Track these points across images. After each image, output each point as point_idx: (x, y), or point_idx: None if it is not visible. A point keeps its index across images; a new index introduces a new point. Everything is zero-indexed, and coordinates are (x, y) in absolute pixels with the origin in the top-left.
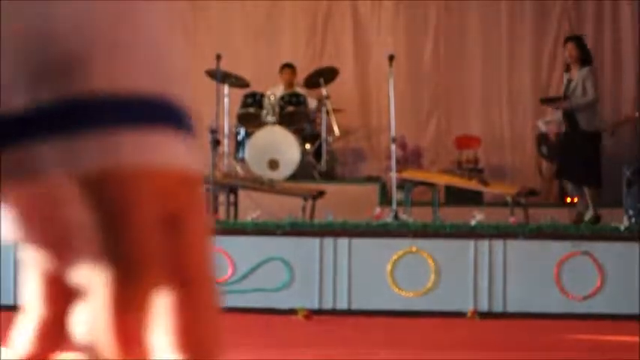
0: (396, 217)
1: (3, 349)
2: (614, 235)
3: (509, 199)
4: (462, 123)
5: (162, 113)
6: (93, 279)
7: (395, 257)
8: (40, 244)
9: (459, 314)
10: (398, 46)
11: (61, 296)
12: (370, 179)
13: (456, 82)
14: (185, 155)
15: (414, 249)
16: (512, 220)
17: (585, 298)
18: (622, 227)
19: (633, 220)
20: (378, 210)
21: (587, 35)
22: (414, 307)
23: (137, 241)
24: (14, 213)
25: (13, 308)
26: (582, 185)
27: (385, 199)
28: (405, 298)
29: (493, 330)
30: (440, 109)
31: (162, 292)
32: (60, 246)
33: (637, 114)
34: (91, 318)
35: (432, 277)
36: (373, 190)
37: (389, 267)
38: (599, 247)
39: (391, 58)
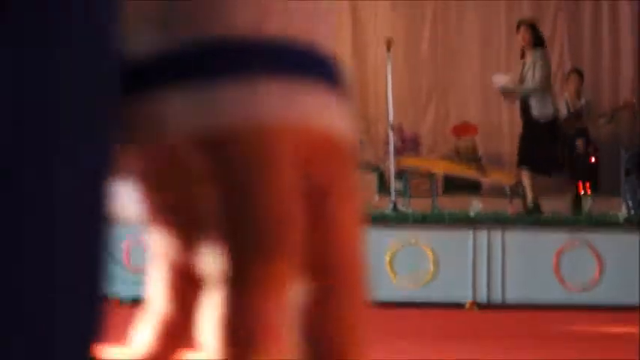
0: (394, 208)
1: (122, 346)
2: (613, 225)
3: (507, 188)
4: (460, 111)
5: (313, 65)
6: (220, 262)
7: (393, 248)
8: (166, 222)
9: (457, 305)
10: (396, 34)
11: (187, 289)
12: (368, 168)
13: (454, 70)
14: (338, 117)
15: (412, 240)
16: (510, 209)
17: (584, 288)
18: (621, 217)
19: (632, 209)
20: (376, 198)
21: (586, 30)
22: (413, 298)
23: (272, 207)
24: (140, 187)
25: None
26: (542, 173)
27: (383, 187)
28: (403, 289)
29: (492, 321)
30: (438, 97)
31: (299, 279)
32: (187, 225)
33: (635, 101)
34: (217, 310)
35: (431, 268)
36: (371, 178)
37: (387, 258)
38: (597, 237)
39: (389, 42)
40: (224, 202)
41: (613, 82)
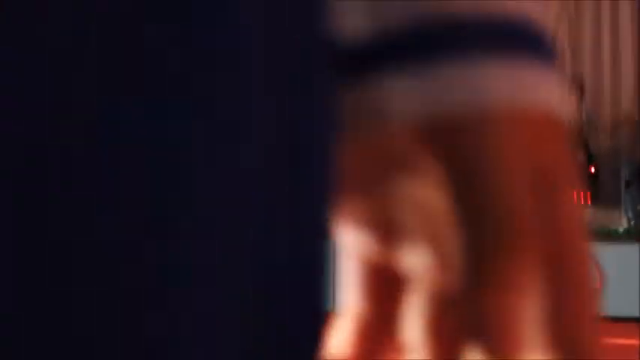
0: None
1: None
2: (612, 237)
3: None
4: None
5: (534, 43)
6: (439, 261)
7: None
8: (366, 219)
9: None
10: None
11: (386, 289)
12: None
13: None
14: (558, 97)
15: None
16: None
17: None
18: (621, 229)
19: (632, 221)
20: None
21: (586, 35)
22: None
23: (509, 205)
24: (344, 183)
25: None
26: None
27: None
28: None
29: None
30: None
31: (533, 273)
32: (389, 221)
33: (636, 114)
34: (432, 313)
35: None
36: None
37: None
38: (597, 249)
39: None
40: (454, 195)
41: (614, 94)
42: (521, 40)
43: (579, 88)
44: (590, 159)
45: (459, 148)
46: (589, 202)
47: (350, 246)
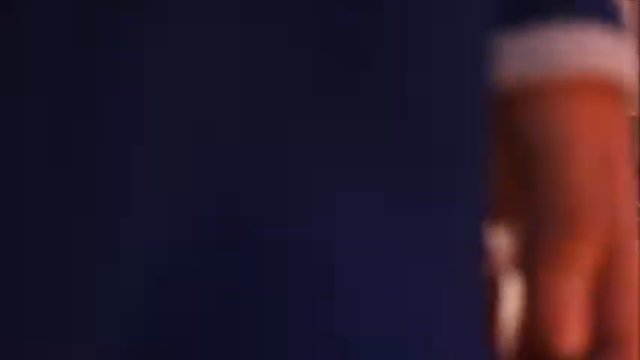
0: None
1: None
2: None
3: None
4: None
5: (604, 11)
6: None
7: None
8: None
9: None
10: None
11: None
12: None
13: None
14: (627, 66)
15: None
16: None
17: None
18: None
19: None
20: None
21: None
22: None
23: (575, 183)
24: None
25: None
26: None
27: None
28: None
29: None
30: None
31: (588, 256)
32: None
33: (636, 113)
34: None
35: None
36: None
37: None
38: None
39: None
40: (516, 173)
41: None
42: (595, 8)
43: None
44: None
45: (526, 122)
46: None
47: None
